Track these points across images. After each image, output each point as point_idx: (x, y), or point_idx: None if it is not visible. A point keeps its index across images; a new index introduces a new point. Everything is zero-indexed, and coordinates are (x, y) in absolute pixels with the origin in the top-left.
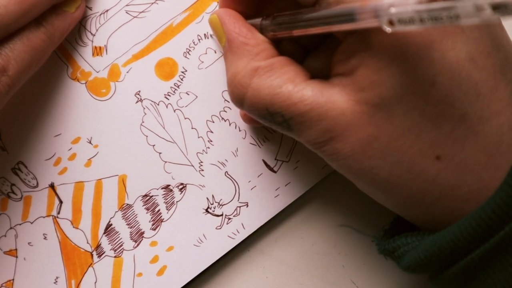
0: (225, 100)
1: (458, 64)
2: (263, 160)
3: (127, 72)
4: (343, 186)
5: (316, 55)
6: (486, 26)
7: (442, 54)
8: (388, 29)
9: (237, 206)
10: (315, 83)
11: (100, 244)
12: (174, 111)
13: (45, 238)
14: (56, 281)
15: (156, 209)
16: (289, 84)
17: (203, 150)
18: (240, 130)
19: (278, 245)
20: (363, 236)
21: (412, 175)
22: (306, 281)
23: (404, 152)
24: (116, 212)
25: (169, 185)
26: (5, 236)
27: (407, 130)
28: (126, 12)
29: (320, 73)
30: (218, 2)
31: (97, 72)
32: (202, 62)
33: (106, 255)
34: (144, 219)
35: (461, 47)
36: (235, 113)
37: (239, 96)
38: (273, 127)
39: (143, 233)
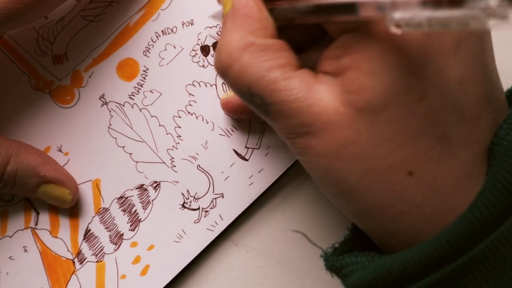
0: (190, 94)
1: (448, 84)
2: (234, 150)
3: (89, 76)
4: None
5: (308, 53)
6: (481, 54)
7: (435, 71)
8: (396, 31)
9: (213, 198)
10: (304, 74)
11: (80, 251)
12: (140, 110)
13: (25, 250)
14: None
15: (133, 210)
16: (278, 70)
17: (173, 146)
18: (207, 123)
19: (277, 246)
20: None
21: (381, 185)
22: (305, 281)
23: (379, 161)
24: (93, 217)
25: (143, 185)
26: None
27: (386, 140)
28: (82, 17)
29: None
30: None
31: (60, 80)
32: (163, 58)
33: (88, 261)
34: (122, 221)
35: (453, 69)
36: (201, 106)
37: (225, 66)
38: (250, 107)
39: (122, 235)
